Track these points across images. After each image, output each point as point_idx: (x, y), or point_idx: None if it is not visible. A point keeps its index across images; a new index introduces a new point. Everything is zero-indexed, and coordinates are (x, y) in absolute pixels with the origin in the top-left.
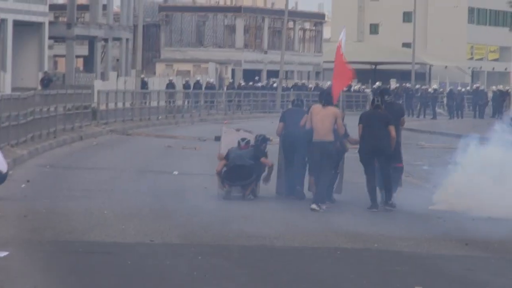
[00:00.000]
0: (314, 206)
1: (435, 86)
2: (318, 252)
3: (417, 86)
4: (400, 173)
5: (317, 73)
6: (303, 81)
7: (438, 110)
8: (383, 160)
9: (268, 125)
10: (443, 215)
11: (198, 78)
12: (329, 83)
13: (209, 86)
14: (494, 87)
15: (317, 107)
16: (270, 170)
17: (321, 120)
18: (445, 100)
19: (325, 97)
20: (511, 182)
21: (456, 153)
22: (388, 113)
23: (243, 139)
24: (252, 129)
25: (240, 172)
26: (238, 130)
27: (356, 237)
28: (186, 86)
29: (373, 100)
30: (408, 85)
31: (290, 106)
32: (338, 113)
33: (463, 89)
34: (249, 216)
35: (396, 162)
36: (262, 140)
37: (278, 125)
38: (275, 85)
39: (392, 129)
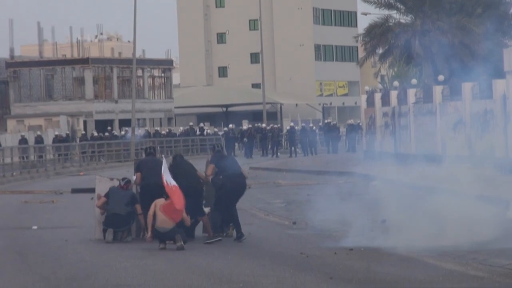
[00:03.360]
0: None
1: (291, 124)
2: None
3: (270, 126)
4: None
5: (169, 119)
6: (156, 128)
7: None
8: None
9: (125, 174)
10: (305, 251)
11: (56, 132)
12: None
13: (60, 139)
14: (350, 121)
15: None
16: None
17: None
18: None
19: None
20: None
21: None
22: None
23: (123, 179)
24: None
25: (117, 219)
26: (112, 179)
27: (221, 278)
28: (38, 140)
29: (213, 146)
30: (263, 125)
31: (143, 155)
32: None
33: (314, 127)
34: (113, 265)
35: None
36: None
37: (135, 175)
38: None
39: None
